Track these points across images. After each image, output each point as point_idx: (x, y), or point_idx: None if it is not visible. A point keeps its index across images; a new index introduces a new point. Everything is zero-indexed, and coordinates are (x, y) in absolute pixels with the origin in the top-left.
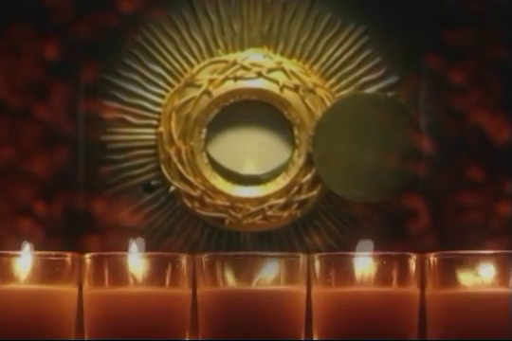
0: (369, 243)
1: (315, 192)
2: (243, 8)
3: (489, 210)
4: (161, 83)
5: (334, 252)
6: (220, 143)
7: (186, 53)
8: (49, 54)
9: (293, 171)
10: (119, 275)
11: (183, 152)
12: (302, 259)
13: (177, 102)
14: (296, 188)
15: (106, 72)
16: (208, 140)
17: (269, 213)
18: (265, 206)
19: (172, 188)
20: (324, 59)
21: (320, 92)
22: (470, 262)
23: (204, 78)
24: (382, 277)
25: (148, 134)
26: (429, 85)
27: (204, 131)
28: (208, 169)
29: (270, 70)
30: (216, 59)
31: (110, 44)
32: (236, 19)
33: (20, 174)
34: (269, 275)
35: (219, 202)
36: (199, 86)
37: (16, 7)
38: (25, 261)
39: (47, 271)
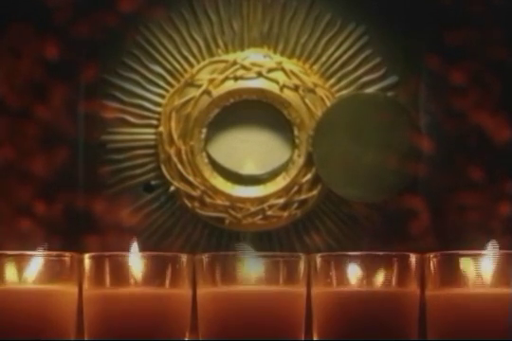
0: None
1: (315, 192)
2: (243, 8)
3: (489, 210)
4: (161, 83)
5: (334, 252)
6: (220, 143)
7: (186, 53)
8: (49, 54)
9: (293, 171)
10: (119, 275)
11: (183, 152)
12: (302, 259)
13: (177, 102)
14: (296, 188)
15: (106, 72)
16: (208, 140)
17: (269, 213)
18: (265, 205)
19: (172, 188)
20: (324, 59)
21: (320, 92)
22: (470, 262)
23: (204, 78)
24: (382, 277)
25: (148, 134)
26: (429, 85)
27: (204, 131)
28: (208, 169)
29: (270, 70)
30: (216, 59)
31: (110, 44)
32: (236, 19)
33: (20, 174)
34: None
35: (219, 202)
36: (199, 86)
37: (16, 7)
38: (24, 261)
39: (47, 271)
